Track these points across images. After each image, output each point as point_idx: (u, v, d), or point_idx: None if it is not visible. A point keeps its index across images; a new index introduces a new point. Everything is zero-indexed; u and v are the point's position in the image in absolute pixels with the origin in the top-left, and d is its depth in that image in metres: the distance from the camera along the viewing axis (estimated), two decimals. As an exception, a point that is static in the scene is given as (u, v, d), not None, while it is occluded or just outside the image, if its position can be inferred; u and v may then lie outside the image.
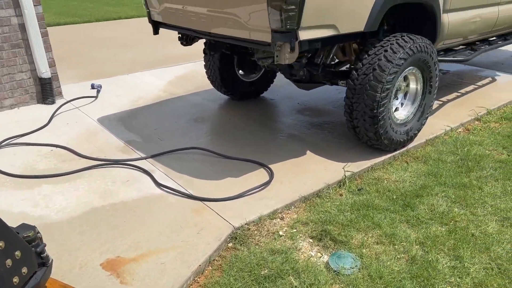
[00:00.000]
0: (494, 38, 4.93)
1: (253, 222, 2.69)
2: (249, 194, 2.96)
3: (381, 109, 3.18)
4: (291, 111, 4.54)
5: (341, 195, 3.02)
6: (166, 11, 3.57)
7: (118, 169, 3.36)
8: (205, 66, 4.64)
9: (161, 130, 4.07)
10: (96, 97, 4.99)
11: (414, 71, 3.41)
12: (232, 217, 2.71)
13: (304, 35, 2.74)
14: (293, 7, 2.60)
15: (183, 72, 5.99)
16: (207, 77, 4.71)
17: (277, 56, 2.79)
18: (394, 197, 2.94)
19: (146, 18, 4.01)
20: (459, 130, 3.98)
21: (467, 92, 4.81)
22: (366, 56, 3.22)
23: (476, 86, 5.00)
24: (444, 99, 4.63)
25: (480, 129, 3.95)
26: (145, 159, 3.49)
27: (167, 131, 4.05)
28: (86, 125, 4.21)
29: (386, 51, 3.16)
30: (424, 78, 3.51)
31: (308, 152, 3.58)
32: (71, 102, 4.82)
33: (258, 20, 2.77)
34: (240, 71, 4.68)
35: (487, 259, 2.35)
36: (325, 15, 2.78)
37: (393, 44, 3.18)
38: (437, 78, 3.57)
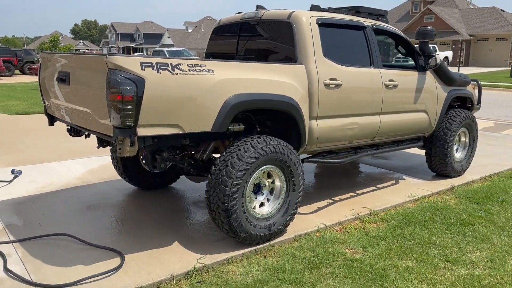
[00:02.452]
0: (392, 143, 5.27)
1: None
2: (86, 282, 3.01)
3: (232, 202, 3.36)
4: (187, 203, 4.70)
5: (179, 286, 3.06)
6: (53, 105, 3.94)
7: (-21, 251, 3.43)
8: (111, 156, 4.92)
9: (48, 215, 4.20)
10: (10, 181, 5.19)
11: (274, 169, 3.66)
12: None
13: (143, 131, 3.03)
14: (130, 107, 2.93)
15: (110, 161, 6.25)
16: (113, 166, 4.96)
17: (120, 149, 3.06)
18: (229, 291, 2.98)
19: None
20: (335, 228, 4.10)
21: (363, 193, 5.01)
22: (225, 153, 3.49)
23: (375, 188, 5.21)
24: (336, 198, 4.81)
25: (355, 229, 4.07)
26: (11, 243, 3.58)
27: (54, 216, 4.17)
28: (-20, 207, 4.35)
29: (239, 150, 3.43)
30: (286, 177, 3.73)
31: (175, 243, 3.67)
32: (-18, 185, 5.02)
33: (105, 118, 3.08)
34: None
35: None
36: (166, 115, 3.10)
37: (247, 144, 3.47)
38: (300, 178, 3.80)
